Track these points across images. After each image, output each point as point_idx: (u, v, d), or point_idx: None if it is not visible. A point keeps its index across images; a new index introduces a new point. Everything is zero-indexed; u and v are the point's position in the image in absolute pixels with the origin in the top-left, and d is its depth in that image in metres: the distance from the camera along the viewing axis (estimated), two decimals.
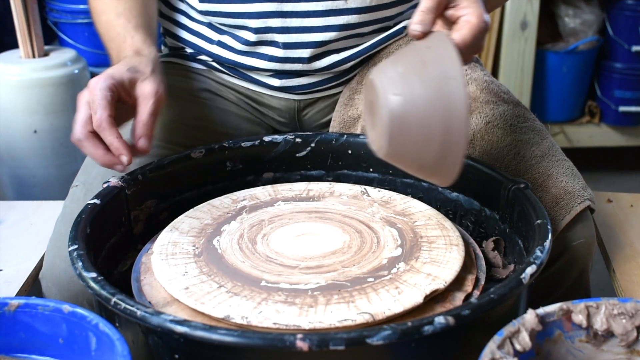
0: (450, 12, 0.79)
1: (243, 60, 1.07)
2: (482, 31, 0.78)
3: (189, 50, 1.13)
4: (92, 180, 0.97)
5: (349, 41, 1.06)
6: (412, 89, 0.74)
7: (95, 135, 0.83)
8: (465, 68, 1.07)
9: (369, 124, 0.82)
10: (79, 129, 0.83)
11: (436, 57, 0.75)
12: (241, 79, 1.11)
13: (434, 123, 0.73)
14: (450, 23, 0.80)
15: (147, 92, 0.86)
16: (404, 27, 1.09)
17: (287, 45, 1.03)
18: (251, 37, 1.04)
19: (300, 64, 1.05)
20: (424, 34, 0.78)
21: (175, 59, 1.15)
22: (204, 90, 1.11)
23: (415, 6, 1.09)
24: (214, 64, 1.11)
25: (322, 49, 1.04)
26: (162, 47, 1.20)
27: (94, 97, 0.83)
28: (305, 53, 1.04)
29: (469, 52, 0.78)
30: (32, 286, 0.96)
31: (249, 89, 1.12)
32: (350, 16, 1.02)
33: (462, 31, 0.77)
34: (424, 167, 0.77)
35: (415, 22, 0.77)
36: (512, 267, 0.87)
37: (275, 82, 1.08)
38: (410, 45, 0.79)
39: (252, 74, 1.09)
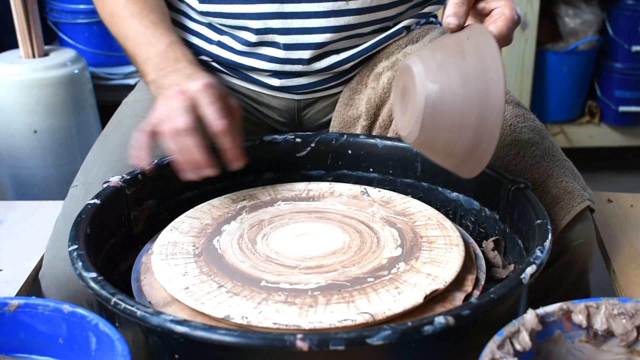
0: (482, 5, 0.80)
1: (243, 61, 1.07)
2: (515, 24, 0.80)
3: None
4: (91, 180, 0.97)
5: (349, 42, 1.06)
6: (449, 78, 0.75)
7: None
8: None
9: (399, 109, 0.82)
10: (192, 135, 0.82)
11: (476, 48, 0.76)
12: (241, 79, 1.11)
13: (470, 113, 0.74)
14: (481, 16, 0.81)
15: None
16: (404, 28, 1.09)
17: (287, 47, 1.03)
18: (252, 37, 1.04)
19: (301, 65, 1.05)
20: (459, 27, 0.79)
21: None
22: None
23: (414, 7, 1.09)
24: (214, 64, 1.11)
25: (323, 50, 1.04)
26: None
27: (213, 102, 0.83)
28: (306, 54, 1.04)
29: (502, 45, 0.80)
30: (32, 286, 0.96)
31: (248, 89, 1.11)
32: (350, 17, 1.02)
33: (498, 23, 0.79)
34: (453, 155, 0.78)
35: (450, 15, 0.78)
36: (512, 267, 0.87)
37: (275, 82, 1.08)
38: (449, 35, 0.80)
39: (251, 74, 1.09)
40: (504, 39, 0.79)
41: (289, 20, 1.02)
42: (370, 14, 1.04)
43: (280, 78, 1.07)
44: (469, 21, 0.81)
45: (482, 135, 0.75)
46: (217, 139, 0.84)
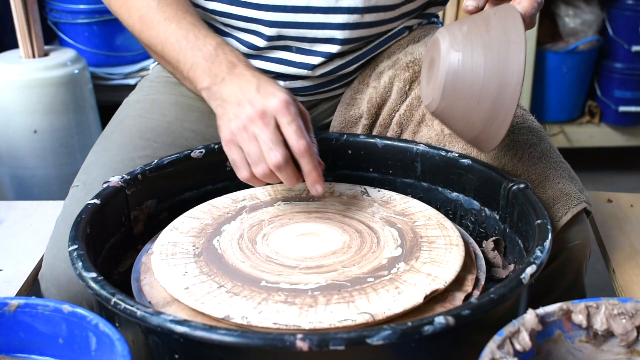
0: None
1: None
2: (540, 5, 0.83)
3: None
4: (93, 181, 0.96)
5: (354, 46, 1.06)
6: (472, 48, 0.78)
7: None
8: None
9: (425, 79, 0.86)
10: (290, 164, 0.82)
11: (501, 22, 0.79)
12: None
13: (490, 83, 0.77)
14: (500, 1, 0.84)
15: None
16: (405, 28, 1.09)
17: (298, 50, 1.03)
18: (261, 43, 1.02)
19: (306, 70, 1.04)
20: (477, 9, 0.82)
21: None
22: None
23: (417, 9, 1.10)
24: None
25: (330, 57, 1.04)
26: None
27: (293, 120, 0.81)
28: (315, 60, 1.03)
29: (527, 25, 0.82)
30: (32, 286, 0.96)
31: None
32: (364, 29, 1.02)
33: (524, 3, 0.82)
34: (472, 125, 0.80)
35: None
36: (512, 267, 0.87)
37: (280, 83, 1.07)
38: (479, 13, 0.84)
39: None
40: (529, 18, 0.82)
41: (302, 30, 1.01)
42: (382, 26, 1.04)
43: (284, 80, 1.06)
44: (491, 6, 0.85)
45: (501, 105, 0.77)
46: (299, 159, 0.82)
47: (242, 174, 0.85)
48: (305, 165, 0.83)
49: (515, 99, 0.76)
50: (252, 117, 0.82)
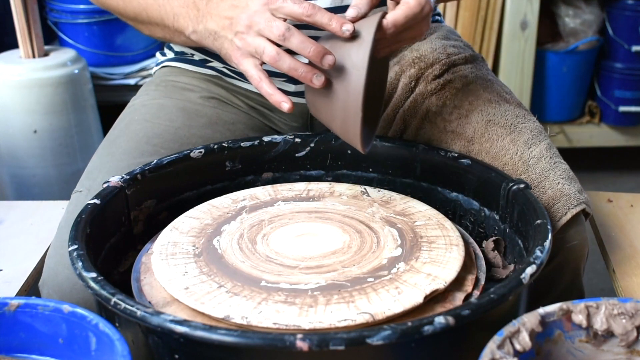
0: None
1: None
2: (416, 14, 0.83)
3: (197, 57, 1.12)
4: (97, 187, 0.94)
5: None
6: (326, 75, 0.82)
7: None
8: (469, 66, 1.07)
9: None
10: (280, 22, 0.81)
11: (359, 26, 0.81)
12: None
13: (336, 106, 0.82)
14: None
15: None
16: None
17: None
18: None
19: None
20: (356, 18, 0.82)
21: (182, 64, 1.13)
22: (212, 99, 1.09)
23: None
24: (225, 69, 1.10)
25: None
26: (166, 50, 1.18)
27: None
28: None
29: (404, 34, 0.84)
30: (32, 286, 0.96)
31: (261, 94, 1.10)
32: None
33: (396, 12, 0.82)
34: (339, 135, 0.87)
35: (351, 6, 0.82)
36: (512, 267, 0.87)
37: (290, 87, 1.06)
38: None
39: None
40: (398, 27, 0.82)
41: (308, 31, 1.00)
42: None
43: (295, 83, 1.06)
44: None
45: (347, 128, 0.82)
46: (312, 18, 0.82)
47: (259, 81, 0.85)
48: (321, 18, 0.81)
49: (357, 123, 0.80)
50: (246, 24, 0.84)
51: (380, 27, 0.81)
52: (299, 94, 1.07)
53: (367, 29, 0.80)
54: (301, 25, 0.87)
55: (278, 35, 0.82)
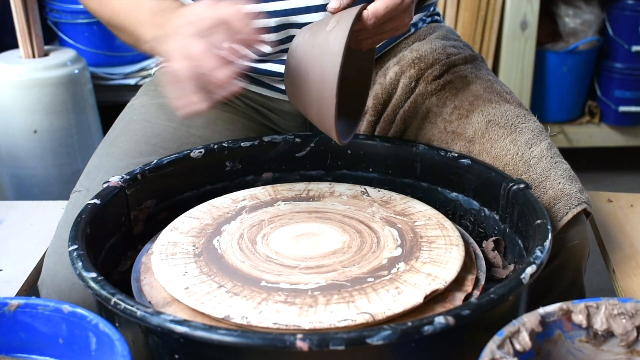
0: None
1: (256, 65, 1.05)
2: (397, 4, 0.83)
3: None
4: (96, 187, 0.94)
5: None
6: (306, 44, 0.83)
7: None
8: (469, 66, 1.08)
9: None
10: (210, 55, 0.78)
11: (337, 18, 0.82)
12: (252, 83, 1.09)
13: (312, 94, 0.82)
14: None
15: None
16: (411, 25, 1.09)
17: None
18: (267, 49, 1.02)
19: None
20: (337, 10, 0.84)
21: None
22: None
23: (425, 8, 1.10)
24: None
25: None
26: None
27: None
28: None
29: (386, 25, 0.84)
30: (32, 286, 0.96)
31: (260, 94, 1.10)
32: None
33: (377, 2, 0.83)
34: (316, 124, 0.86)
35: None
36: (512, 267, 0.87)
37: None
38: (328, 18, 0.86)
39: (264, 79, 1.08)
40: (379, 18, 0.82)
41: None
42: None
43: None
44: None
45: (322, 114, 0.82)
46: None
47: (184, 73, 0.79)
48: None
49: (331, 110, 0.80)
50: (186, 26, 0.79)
51: (360, 17, 0.82)
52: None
53: (347, 18, 0.81)
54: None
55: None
